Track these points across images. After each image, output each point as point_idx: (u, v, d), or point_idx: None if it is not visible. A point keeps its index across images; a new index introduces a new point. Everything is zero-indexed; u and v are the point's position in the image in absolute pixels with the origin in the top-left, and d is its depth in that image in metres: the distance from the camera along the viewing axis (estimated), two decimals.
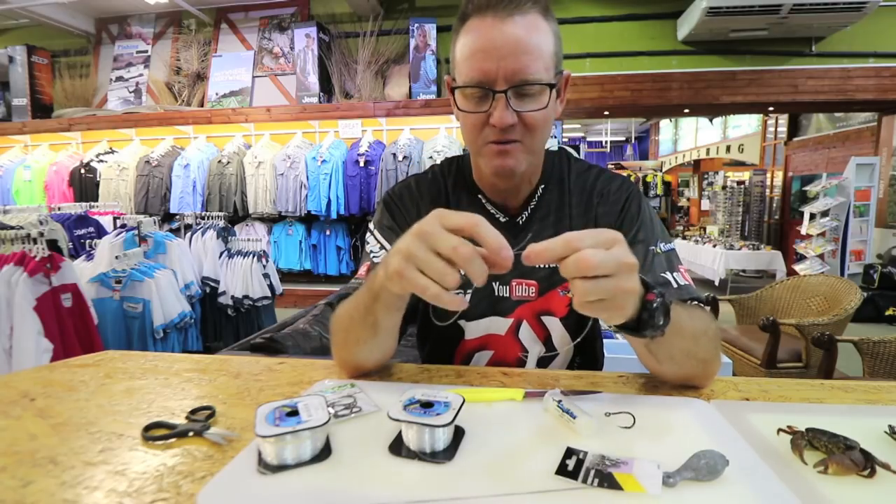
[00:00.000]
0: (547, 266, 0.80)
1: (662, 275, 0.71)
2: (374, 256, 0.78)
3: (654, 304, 0.52)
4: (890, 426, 0.50)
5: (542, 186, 0.81)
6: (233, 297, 3.15)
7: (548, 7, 0.67)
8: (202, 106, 5.22)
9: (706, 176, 10.28)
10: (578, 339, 0.81)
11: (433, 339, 0.86)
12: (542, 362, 0.82)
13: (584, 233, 0.47)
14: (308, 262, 4.91)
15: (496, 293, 0.80)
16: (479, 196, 0.83)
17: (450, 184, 0.85)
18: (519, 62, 0.64)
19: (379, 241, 0.79)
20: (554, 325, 0.81)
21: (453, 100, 0.72)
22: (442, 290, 0.47)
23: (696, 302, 0.70)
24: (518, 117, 0.67)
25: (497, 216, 0.81)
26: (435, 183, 0.85)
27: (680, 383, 0.65)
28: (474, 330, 0.81)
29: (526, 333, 0.81)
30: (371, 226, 0.82)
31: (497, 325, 0.81)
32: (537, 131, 0.69)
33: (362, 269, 0.77)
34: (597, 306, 0.47)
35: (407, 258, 0.48)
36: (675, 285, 0.70)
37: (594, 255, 0.45)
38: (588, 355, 0.86)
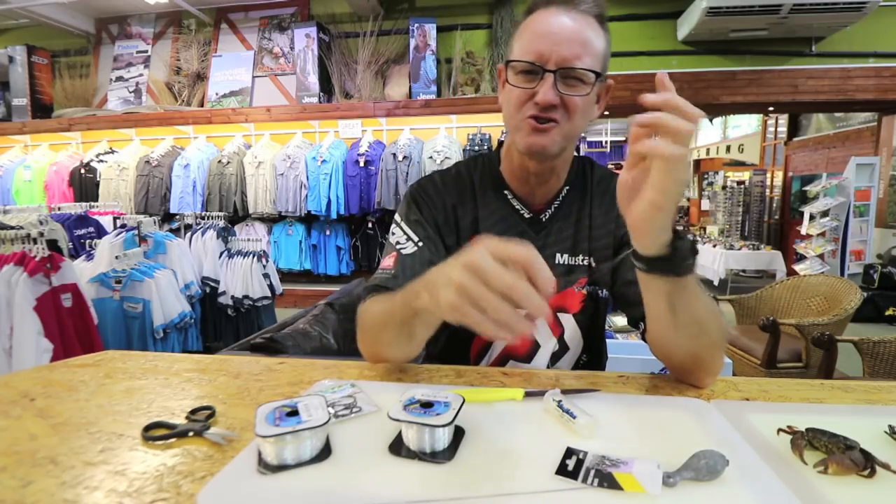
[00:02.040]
0: (565, 262, 0.83)
1: None
2: (400, 248, 0.79)
3: (684, 238, 0.55)
4: (890, 426, 0.50)
5: (567, 188, 0.85)
6: (233, 297, 3.15)
7: (604, 18, 0.74)
8: (202, 106, 5.21)
9: (706, 176, 10.27)
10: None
11: (449, 333, 0.86)
12: (554, 358, 0.84)
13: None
14: (308, 262, 4.91)
15: None
16: (506, 192, 0.85)
17: (476, 179, 0.87)
18: (571, 50, 0.69)
19: (406, 233, 0.80)
20: (568, 321, 0.83)
21: (503, 82, 0.77)
22: (498, 327, 0.45)
23: None
24: (560, 100, 0.71)
25: (522, 211, 0.84)
26: (460, 178, 0.87)
27: (686, 370, 0.65)
28: None
29: (541, 329, 0.83)
30: (397, 217, 0.84)
31: None
32: (575, 116, 0.73)
33: (389, 261, 0.78)
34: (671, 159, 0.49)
35: (460, 292, 0.46)
36: None
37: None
38: (594, 353, 0.88)
